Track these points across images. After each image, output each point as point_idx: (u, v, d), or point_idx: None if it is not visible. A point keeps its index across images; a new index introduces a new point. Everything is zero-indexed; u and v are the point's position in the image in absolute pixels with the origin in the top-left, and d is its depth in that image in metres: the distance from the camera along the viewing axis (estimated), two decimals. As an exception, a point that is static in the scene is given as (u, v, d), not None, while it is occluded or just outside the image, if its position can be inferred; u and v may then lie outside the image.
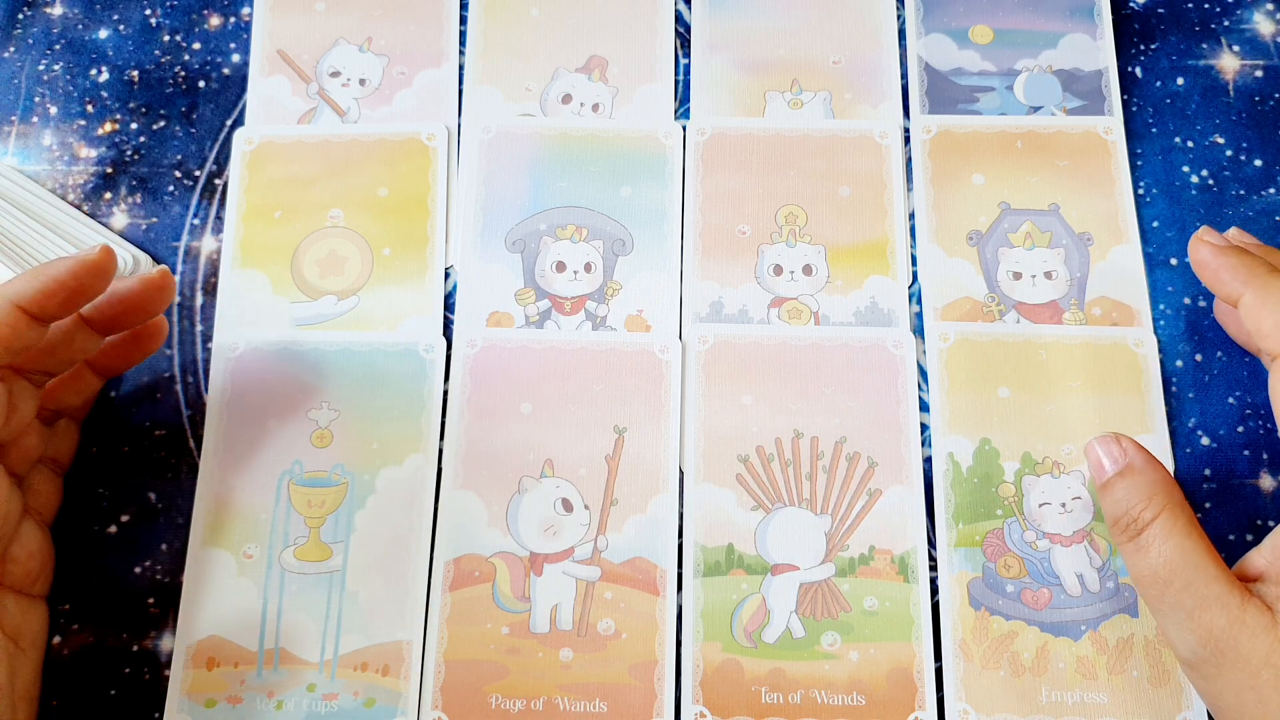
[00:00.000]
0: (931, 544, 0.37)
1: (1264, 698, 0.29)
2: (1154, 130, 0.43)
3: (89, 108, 0.44)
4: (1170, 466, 0.38)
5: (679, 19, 0.45)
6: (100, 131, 0.44)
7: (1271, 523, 0.38)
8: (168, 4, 0.46)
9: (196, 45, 0.45)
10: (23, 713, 0.34)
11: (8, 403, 0.33)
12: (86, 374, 0.37)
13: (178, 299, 0.41)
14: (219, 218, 0.42)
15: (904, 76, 0.44)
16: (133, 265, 0.40)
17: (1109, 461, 0.33)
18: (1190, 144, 0.43)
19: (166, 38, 0.45)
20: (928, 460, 0.38)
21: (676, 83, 0.44)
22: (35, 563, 0.35)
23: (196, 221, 0.42)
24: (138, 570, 0.38)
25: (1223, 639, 0.30)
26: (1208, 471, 0.38)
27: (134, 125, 0.44)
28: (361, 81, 0.44)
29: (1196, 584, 0.30)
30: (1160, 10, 0.45)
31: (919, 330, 0.40)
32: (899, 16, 0.45)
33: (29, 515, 0.35)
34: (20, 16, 0.45)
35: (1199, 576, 0.31)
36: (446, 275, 0.41)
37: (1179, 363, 0.40)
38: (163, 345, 0.39)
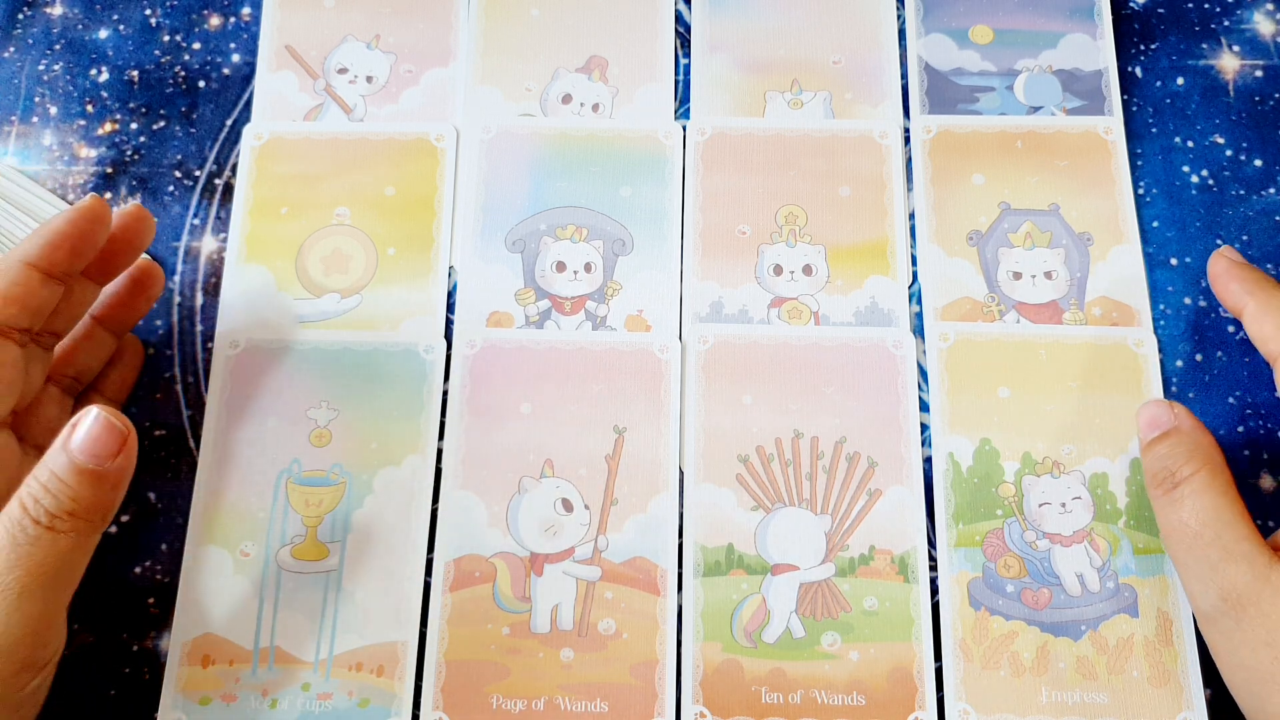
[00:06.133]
0: (931, 544, 0.37)
1: None
2: (1154, 130, 0.43)
3: (89, 108, 0.44)
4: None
5: (679, 19, 0.45)
6: (100, 131, 0.44)
7: (1272, 523, 0.38)
8: (168, 4, 0.46)
9: (196, 45, 0.45)
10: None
11: (24, 367, 0.33)
12: (98, 332, 0.38)
13: (178, 299, 0.41)
14: (219, 218, 0.42)
15: (904, 76, 0.44)
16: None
17: (1154, 424, 0.34)
18: (1190, 144, 0.43)
19: (166, 38, 0.45)
20: (928, 460, 0.38)
21: (676, 83, 0.44)
22: None
23: (196, 221, 0.42)
24: (138, 570, 0.38)
25: (1245, 594, 0.30)
26: (1208, 471, 0.38)
27: (134, 125, 0.44)
28: (369, 79, 0.44)
29: (1225, 538, 0.31)
30: (1160, 10, 0.45)
31: (919, 330, 0.40)
32: (899, 16, 0.45)
33: None
34: (20, 16, 0.45)
35: (1228, 532, 0.31)
36: (448, 275, 0.41)
37: (1179, 363, 0.40)
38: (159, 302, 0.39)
